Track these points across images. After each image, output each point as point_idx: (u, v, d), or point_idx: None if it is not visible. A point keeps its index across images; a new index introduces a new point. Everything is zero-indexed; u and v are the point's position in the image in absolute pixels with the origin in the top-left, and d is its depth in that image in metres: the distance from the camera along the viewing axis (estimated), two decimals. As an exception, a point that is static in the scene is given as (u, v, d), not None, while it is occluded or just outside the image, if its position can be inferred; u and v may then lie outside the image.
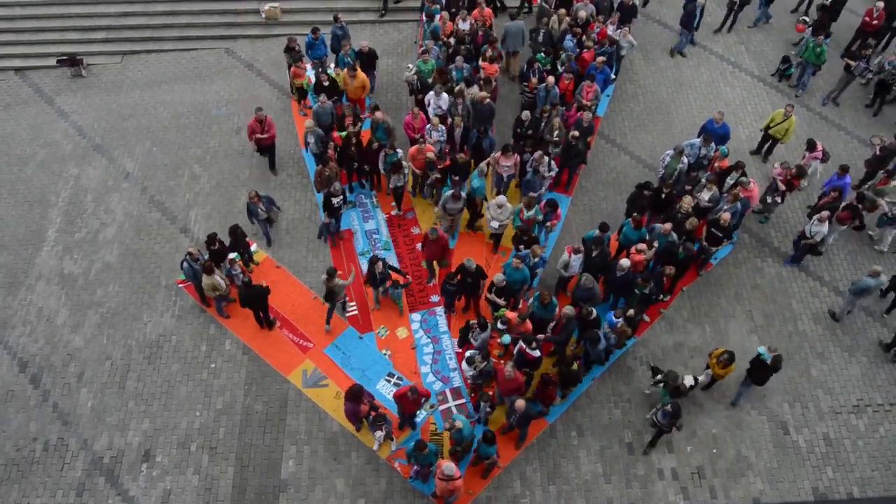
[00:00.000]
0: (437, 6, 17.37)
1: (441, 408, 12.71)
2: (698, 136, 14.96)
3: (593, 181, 16.05)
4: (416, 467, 11.25)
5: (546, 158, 14.16)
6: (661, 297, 13.32)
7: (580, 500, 11.94)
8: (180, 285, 14.03)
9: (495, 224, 13.82)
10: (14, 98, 17.64)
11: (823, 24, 17.60)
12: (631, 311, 12.47)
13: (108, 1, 18.97)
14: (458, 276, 12.80)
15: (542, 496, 11.95)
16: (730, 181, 14.25)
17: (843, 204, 14.15)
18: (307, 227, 15.06)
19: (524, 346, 11.90)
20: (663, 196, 14.01)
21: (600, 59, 15.87)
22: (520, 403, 11.20)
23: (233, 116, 17.17)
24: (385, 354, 13.34)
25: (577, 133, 14.56)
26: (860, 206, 14.27)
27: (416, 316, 13.87)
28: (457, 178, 14.31)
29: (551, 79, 15.42)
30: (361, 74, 15.89)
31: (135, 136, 16.79)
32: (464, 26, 16.64)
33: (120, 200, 15.60)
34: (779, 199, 14.69)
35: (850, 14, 18.56)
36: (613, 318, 12.54)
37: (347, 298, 13.82)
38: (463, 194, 13.93)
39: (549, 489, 12.01)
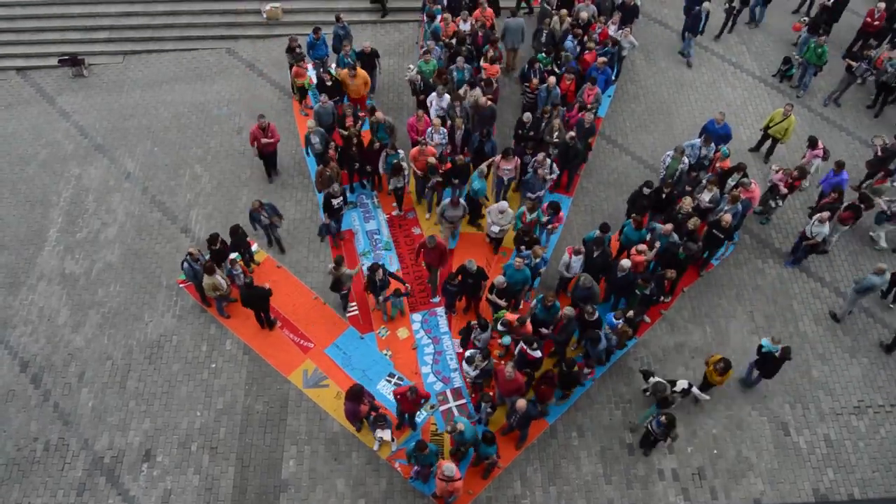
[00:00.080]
0: (438, 6, 17.39)
1: (442, 408, 12.71)
2: (699, 137, 14.96)
3: (594, 182, 16.05)
4: (416, 468, 11.25)
5: (548, 161, 14.16)
6: (663, 298, 13.32)
7: (581, 500, 11.93)
8: (181, 285, 14.04)
9: (496, 229, 13.81)
10: (16, 98, 17.66)
11: (819, 23, 17.62)
12: (630, 313, 12.48)
13: (110, 1, 18.98)
14: (459, 277, 12.80)
15: (542, 497, 11.94)
16: (731, 182, 14.23)
17: (845, 204, 14.14)
18: (308, 227, 15.07)
19: (525, 346, 11.90)
20: (664, 196, 14.01)
21: (601, 59, 15.87)
22: (521, 404, 11.20)
23: (234, 116, 17.19)
24: (386, 355, 13.34)
25: (573, 134, 14.54)
26: (862, 205, 14.28)
27: (416, 316, 13.87)
28: (456, 181, 14.30)
29: (552, 79, 15.42)
30: (362, 72, 15.90)
31: (136, 135, 16.81)
32: (464, 27, 16.65)
33: (121, 200, 15.61)
34: (780, 203, 14.68)
35: (852, 15, 18.56)
36: (613, 319, 12.54)
37: (349, 298, 13.82)
38: (462, 201, 13.89)
39: (550, 490, 12.01)
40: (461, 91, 15.48)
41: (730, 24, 18.97)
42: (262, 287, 12.88)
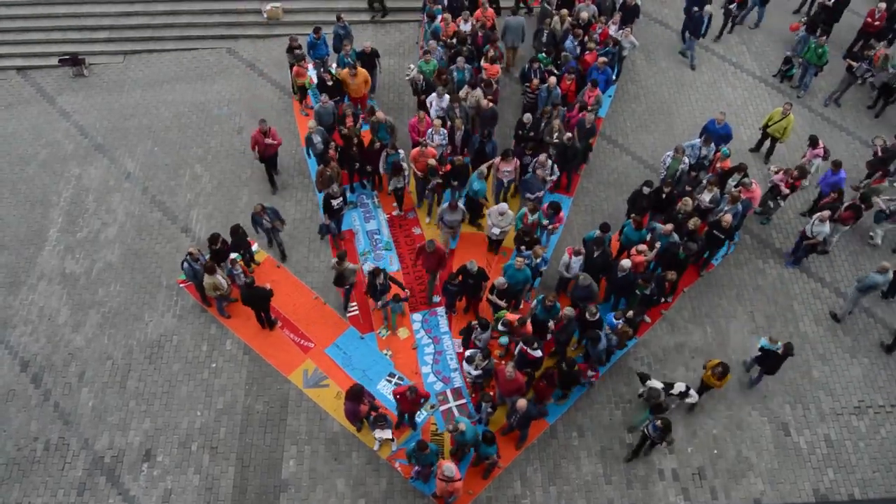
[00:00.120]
0: (439, 6, 17.39)
1: (442, 408, 12.71)
2: (699, 137, 14.95)
3: (595, 181, 16.04)
4: (417, 468, 11.25)
5: (549, 162, 14.14)
6: (664, 299, 13.33)
7: (581, 500, 11.93)
8: (181, 285, 14.04)
9: (497, 231, 13.79)
10: (16, 98, 17.66)
11: (817, 21, 17.62)
12: (630, 313, 12.47)
13: (110, 1, 18.98)
14: (460, 277, 12.80)
15: (542, 496, 11.94)
16: (732, 182, 14.23)
17: (846, 204, 14.13)
18: (308, 227, 15.07)
19: (525, 347, 11.90)
20: (664, 196, 14.00)
21: (602, 59, 15.86)
22: (521, 403, 11.20)
23: (234, 116, 17.19)
24: (386, 355, 13.34)
25: (570, 135, 14.52)
26: (863, 205, 14.28)
27: (417, 316, 13.87)
28: (455, 182, 14.29)
29: (553, 79, 15.40)
30: (362, 70, 15.90)
31: (136, 135, 16.81)
32: (465, 27, 16.64)
33: (121, 200, 15.61)
34: (781, 203, 14.68)
35: (852, 15, 18.55)
36: (613, 320, 12.54)
37: (350, 298, 13.83)
38: (461, 205, 13.86)
39: (550, 490, 12.01)
40: (462, 92, 15.47)
41: (729, 25, 18.96)
42: (264, 288, 12.88)
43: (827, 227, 13.72)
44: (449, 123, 14.98)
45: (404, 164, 14.39)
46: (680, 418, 12.68)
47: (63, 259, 14.66)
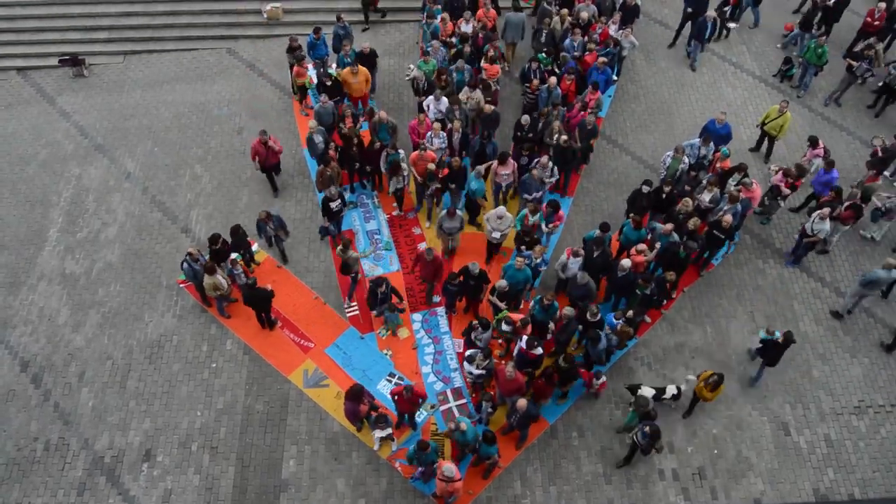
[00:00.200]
0: (438, 6, 17.37)
1: (442, 408, 12.71)
2: (699, 137, 14.95)
3: (595, 181, 16.04)
4: (420, 469, 11.24)
5: (550, 163, 14.12)
6: (665, 299, 13.33)
7: (581, 500, 11.93)
8: (181, 285, 14.04)
9: (497, 235, 13.78)
10: (16, 98, 17.67)
11: (811, 19, 17.62)
12: (630, 313, 12.47)
13: (110, 1, 18.98)
14: (461, 277, 12.80)
15: (542, 496, 11.94)
16: (732, 182, 14.23)
17: (847, 203, 14.13)
18: (308, 227, 15.07)
19: (524, 347, 11.89)
20: (664, 196, 14.00)
21: (602, 59, 15.86)
22: (521, 403, 11.20)
23: (234, 116, 17.19)
24: (386, 355, 13.34)
25: (566, 137, 14.50)
26: (864, 204, 14.29)
27: (417, 316, 13.87)
28: (453, 185, 14.27)
29: (553, 79, 15.39)
30: (363, 69, 15.90)
31: (136, 136, 16.81)
32: (466, 28, 16.63)
33: (121, 200, 15.61)
34: (782, 203, 14.68)
35: (852, 15, 18.55)
36: (613, 320, 12.54)
37: (351, 299, 13.84)
38: (459, 212, 13.83)
39: (550, 489, 12.01)
40: (462, 94, 15.43)
41: (724, 32, 18.93)
42: (265, 288, 12.89)
43: (827, 225, 13.72)
44: (448, 126, 14.96)
45: (404, 165, 14.38)
46: (679, 419, 12.69)
47: (63, 259, 14.66)
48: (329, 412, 12.65)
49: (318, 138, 14.68)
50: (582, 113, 15.19)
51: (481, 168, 14.37)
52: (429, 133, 14.74)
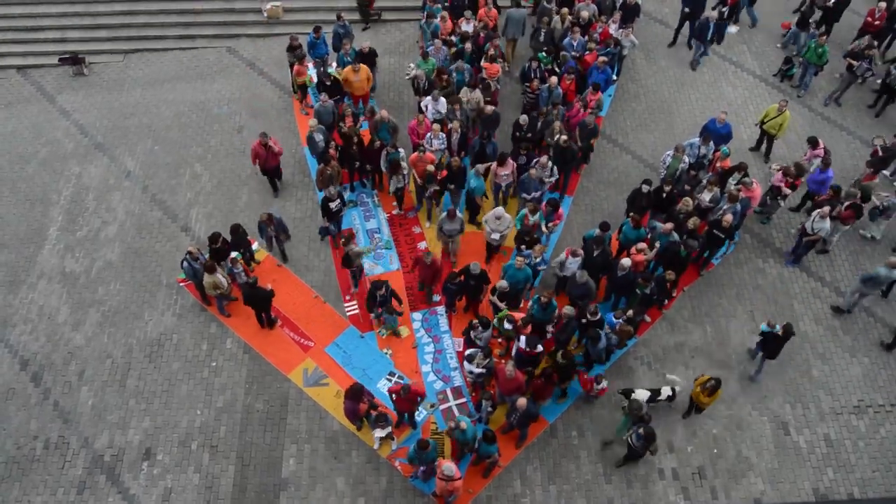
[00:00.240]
0: (438, 6, 17.36)
1: (442, 407, 12.71)
2: (699, 136, 14.95)
3: (595, 181, 16.04)
4: (420, 468, 11.23)
5: (549, 163, 14.11)
6: (665, 299, 13.32)
7: (581, 499, 11.93)
8: (181, 284, 14.04)
9: (496, 236, 13.76)
10: (16, 96, 17.66)
11: (808, 17, 17.63)
12: (630, 312, 12.47)
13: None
14: (461, 277, 12.79)
15: (542, 495, 11.94)
16: (732, 182, 14.23)
17: (847, 203, 14.13)
18: (308, 226, 15.07)
19: (523, 347, 11.89)
20: (664, 195, 14.00)
21: (602, 59, 15.85)
22: (521, 402, 11.20)
23: (234, 115, 17.19)
24: (386, 354, 13.34)
25: (565, 137, 14.49)
26: (864, 203, 14.29)
27: (417, 315, 13.87)
28: (452, 186, 14.26)
29: (554, 79, 15.38)
30: (364, 67, 15.89)
31: (136, 134, 16.81)
32: (467, 27, 16.61)
33: (121, 199, 15.61)
34: (782, 203, 14.68)
35: (852, 14, 18.55)
36: (613, 319, 12.54)
37: (351, 298, 13.82)
38: (459, 214, 13.80)
39: (550, 489, 12.01)
40: (462, 95, 15.41)
41: (720, 31, 18.91)
42: (265, 288, 12.89)
43: (827, 224, 13.71)
44: (448, 126, 14.94)
45: (403, 164, 14.37)
46: (679, 419, 12.69)
47: (63, 258, 14.65)
48: (329, 411, 12.65)
49: (319, 137, 14.69)
50: (582, 112, 15.18)
51: (480, 167, 14.36)
52: (428, 134, 14.73)
